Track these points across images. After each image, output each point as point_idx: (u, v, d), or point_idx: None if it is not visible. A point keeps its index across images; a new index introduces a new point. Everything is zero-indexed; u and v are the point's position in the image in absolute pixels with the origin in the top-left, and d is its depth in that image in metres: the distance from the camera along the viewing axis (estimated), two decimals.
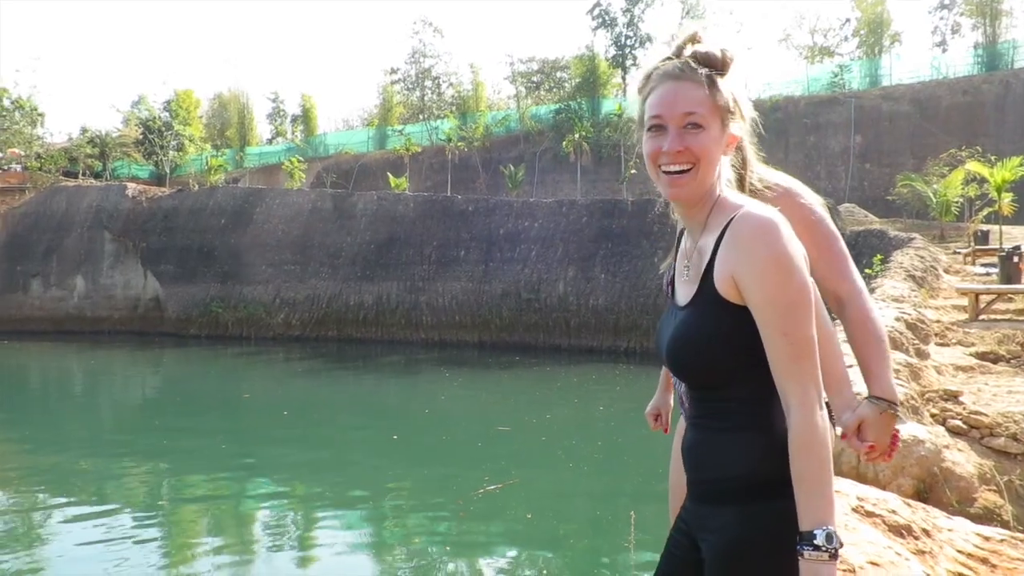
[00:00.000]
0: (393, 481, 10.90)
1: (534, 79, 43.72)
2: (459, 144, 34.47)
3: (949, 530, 3.14)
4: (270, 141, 47.70)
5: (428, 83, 42.32)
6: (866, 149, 30.82)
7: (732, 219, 1.45)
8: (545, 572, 7.48)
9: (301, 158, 37.23)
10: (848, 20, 41.33)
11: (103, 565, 7.57)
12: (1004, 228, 16.00)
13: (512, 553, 8.08)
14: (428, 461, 11.67)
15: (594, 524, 8.97)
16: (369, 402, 17.25)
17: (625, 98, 37.04)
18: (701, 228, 1.55)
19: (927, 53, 37.55)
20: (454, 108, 40.28)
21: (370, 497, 10.20)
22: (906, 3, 59.38)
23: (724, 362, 1.46)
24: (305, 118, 44.46)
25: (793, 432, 1.36)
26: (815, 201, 1.95)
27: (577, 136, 32.32)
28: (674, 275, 1.97)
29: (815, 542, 1.31)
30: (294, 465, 11.68)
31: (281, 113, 48.39)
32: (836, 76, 34.02)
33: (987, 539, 3.19)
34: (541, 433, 13.46)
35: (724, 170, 1.56)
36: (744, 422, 1.46)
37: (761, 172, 2.03)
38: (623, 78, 38.09)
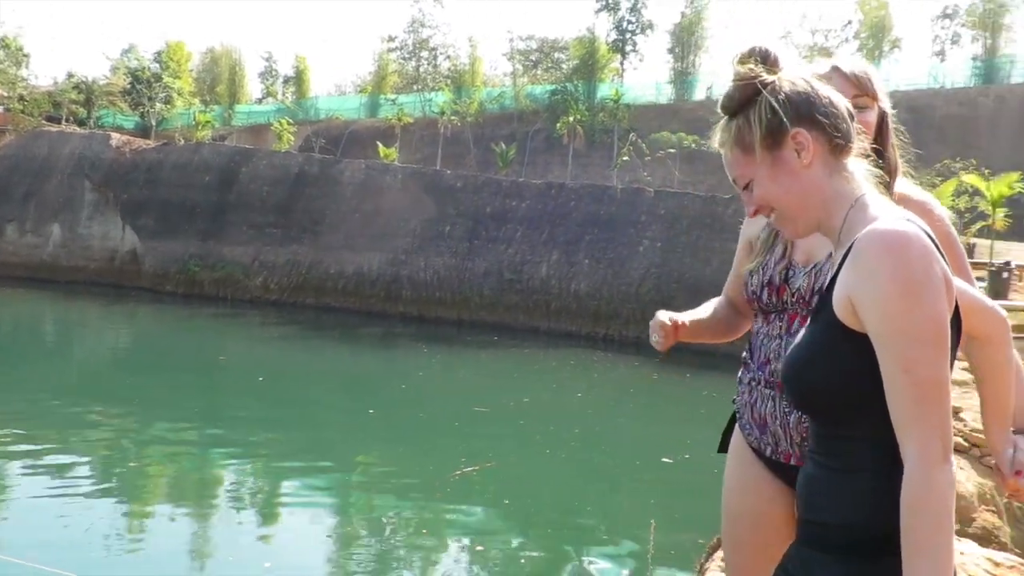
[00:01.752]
0: (368, 456, 10.76)
1: (532, 57, 43.30)
2: (452, 118, 34.08)
3: (960, 553, 3.03)
4: (260, 101, 46.94)
5: (424, 54, 41.81)
6: None
7: (860, 237, 1.27)
8: (521, 558, 7.38)
9: (291, 120, 36.65)
10: (850, 22, 41.22)
11: (52, 525, 7.34)
12: (996, 243, 16.05)
13: (487, 536, 7.97)
14: (404, 438, 11.52)
15: (569, 512, 8.87)
16: (346, 373, 17.05)
17: (623, 84, 36.79)
18: (836, 240, 1.38)
19: (926, 61, 37.63)
20: (449, 81, 39.78)
21: (344, 473, 10.05)
22: (908, 9, 59.42)
23: (843, 393, 1.28)
24: (298, 80, 43.71)
25: (908, 485, 1.18)
26: (947, 217, 1.80)
27: (572, 119, 32.05)
28: (765, 278, 1.92)
29: None
30: (266, 434, 11.49)
31: (273, 73, 47.64)
32: None
33: (997, 564, 3.09)
34: (519, 416, 13.35)
35: (855, 171, 1.38)
36: (867, 464, 1.28)
37: (901, 189, 1.91)
38: (622, 63, 37.81)
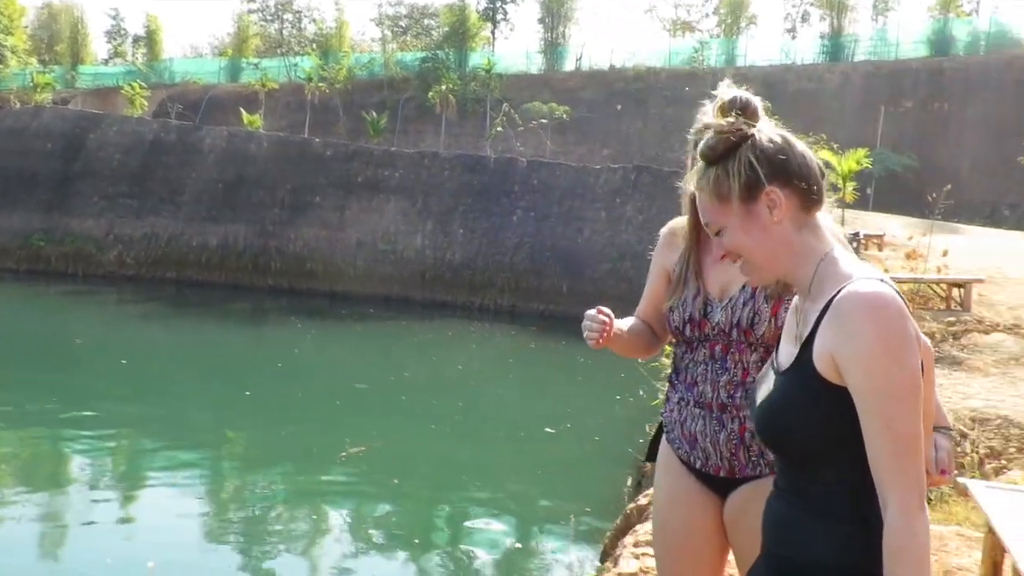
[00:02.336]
0: (247, 440, 10.40)
1: (401, 23, 42.41)
2: (319, 85, 32.95)
3: None
4: (107, 61, 43.69)
5: (288, 16, 40.11)
6: None
7: (838, 292, 1.32)
8: (414, 537, 7.35)
9: (143, 84, 34.34)
10: None
11: None
12: (847, 213, 17.30)
13: (379, 518, 7.89)
14: (284, 419, 11.19)
15: (459, 487, 8.91)
16: (216, 352, 16.34)
17: (494, 53, 36.67)
18: (806, 293, 1.43)
19: (779, 38, 39.56)
20: (315, 46, 38.39)
21: (222, 459, 9.68)
22: None
23: (818, 443, 1.36)
24: (149, 40, 40.92)
25: (890, 534, 1.26)
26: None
27: (444, 87, 31.70)
28: (686, 315, 2.02)
29: None
30: (134, 420, 10.86)
31: (121, 32, 44.40)
32: (696, 52, 35.17)
33: None
34: (400, 391, 13.24)
35: (823, 226, 1.44)
36: (836, 509, 1.36)
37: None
38: (493, 32, 37.66)
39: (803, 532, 1.38)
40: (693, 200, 2.09)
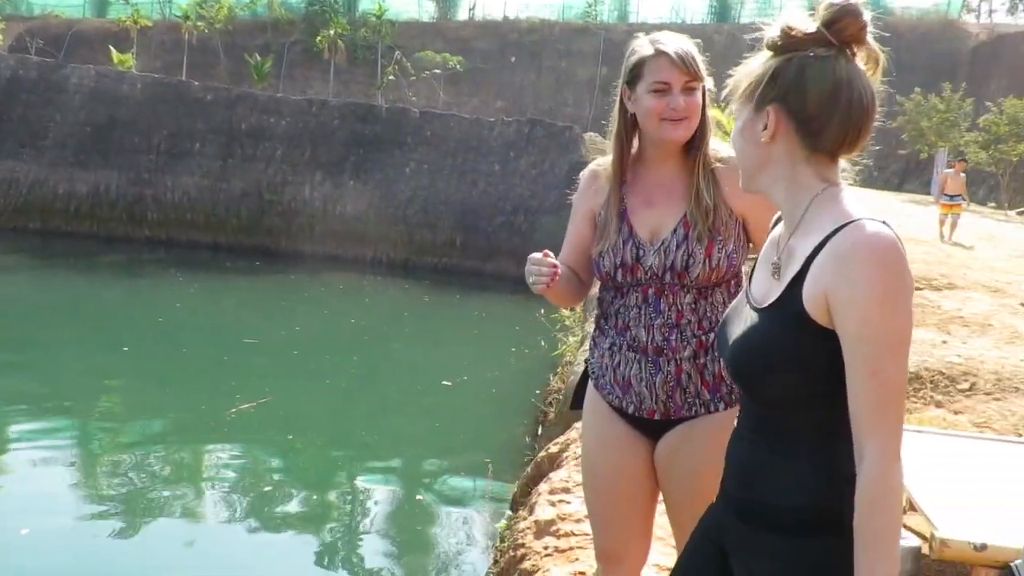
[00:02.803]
0: (128, 399, 9.86)
1: None
2: (198, 24, 31.04)
3: None
4: None
5: None
6: (610, 82, 32.39)
7: (840, 228, 1.25)
8: (312, 494, 7.17)
9: None
10: None
11: None
12: None
13: (274, 474, 7.65)
14: (169, 377, 10.65)
15: (357, 443, 8.75)
16: (89, 306, 15.35)
17: None
18: (795, 225, 1.35)
19: None
20: None
21: (103, 419, 9.14)
22: None
23: (796, 386, 1.31)
24: None
25: (866, 482, 1.22)
26: None
27: (332, 32, 30.50)
28: (618, 259, 1.96)
29: None
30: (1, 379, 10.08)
31: None
32: (590, 7, 35.20)
33: None
34: (292, 346, 12.84)
35: (834, 172, 1.37)
36: (807, 451, 1.32)
37: (715, 145, 2.03)
38: None
39: (770, 474, 1.35)
40: (620, 139, 2.04)
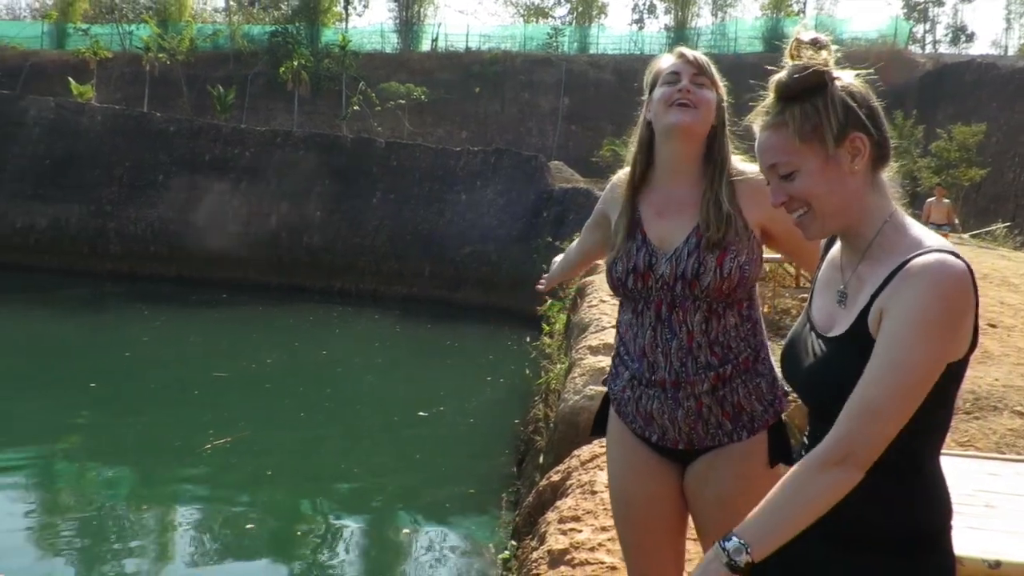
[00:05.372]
0: (98, 436, 9.63)
1: None
2: (159, 56, 30.83)
3: None
4: None
5: None
6: (572, 111, 32.87)
7: (911, 260, 1.26)
8: (296, 529, 7.06)
9: None
10: None
11: None
12: None
13: (254, 510, 7.50)
14: (139, 412, 10.44)
15: (336, 476, 8.63)
16: (51, 342, 15.02)
17: (347, 30, 35.69)
18: (862, 252, 1.36)
19: (627, 28, 40.89)
20: (152, 13, 35.87)
21: (72, 459, 8.91)
22: None
23: None
24: None
25: (799, 465, 1.26)
26: None
27: (295, 63, 30.50)
28: (630, 265, 1.99)
29: (725, 544, 1.27)
30: None
31: None
32: (551, 38, 35.74)
33: None
34: (263, 380, 12.68)
35: (885, 187, 1.38)
36: (890, 470, 1.29)
37: (734, 161, 2.06)
38: (345, 8, 36.62)
39: (857, 496, 1.30)
40: (638, 150, 2.10)
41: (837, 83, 1.33)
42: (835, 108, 1.31)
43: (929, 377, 1.22)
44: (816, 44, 1.35)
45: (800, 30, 1.38)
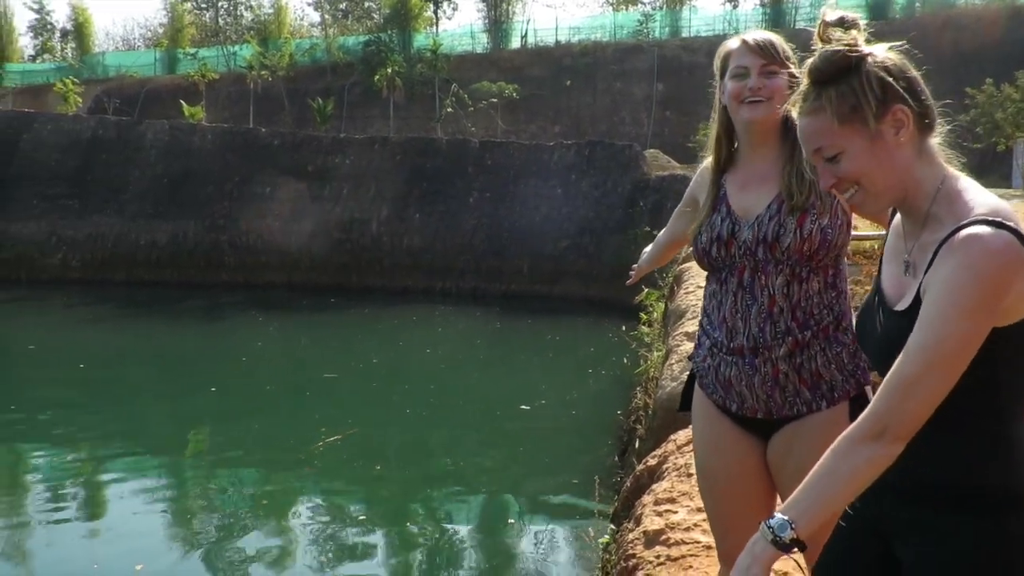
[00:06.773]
0: (220, 437, 10.16)
1: (341, 6, 41.61)
2: (262, 73, 32.20)
3: None
4: (35, 58, 42.09)
5: (223, 3, 39.04)
6: (666, 98, 32.32)
7: (953, 234, 1.25)
8: (407, 520, 7.25)
9: (76, 80, 33.17)
10: None
11: None
12: None
13: (368, 505, 7.75)
14: (255, 413, 10.95)
15: (444, 469, 8.81)
16: (175, 351, 15.92)
17: (438, 33, 36.28)
18: (922, 221, 1.36)
19: (720, 8, 39.84)
20: (254, 33, 37.49)
21: (199, 457, 9.45)
22: None
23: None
24: (78, 34, 39.51)
25: (842, 437, 1.26)
26: None
27: (390, 70, 31.23)
28: (714, 234, 2.03)
29: (770, 522, 1.28)
30: (101, 425, 10.52)
31: (48, 27, 42.71)
32: (641, 24, 35.23)
33: None
34: (370, 379, 13.07)
35: (933, 153, 1.38)
36: (978, 428, 1.30)
37: None
38: (435, 12, 37.19)
39: (941, 451, 1.33)
40: (718, 132, 2.10)
41: (870, 60, 1.33)
42: (871, 85, 1.32)
43: (965, 353, 1.22)
44: (844, 23, 1.36)
45: (826, 11, 1.39)
